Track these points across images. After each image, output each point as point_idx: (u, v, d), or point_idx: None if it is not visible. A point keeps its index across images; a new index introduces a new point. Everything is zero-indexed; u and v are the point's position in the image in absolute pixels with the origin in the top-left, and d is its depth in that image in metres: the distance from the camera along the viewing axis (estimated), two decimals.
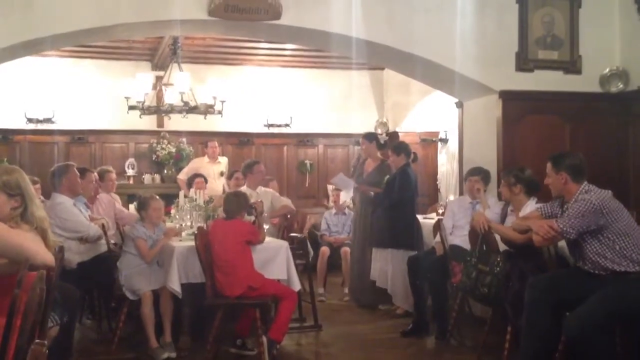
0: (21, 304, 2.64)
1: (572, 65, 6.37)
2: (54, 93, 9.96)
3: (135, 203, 5.65)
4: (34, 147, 9.79)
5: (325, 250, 7.49)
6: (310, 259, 6.50)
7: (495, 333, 4.78)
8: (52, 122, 9.97)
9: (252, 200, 5.71)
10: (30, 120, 9.89)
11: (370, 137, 6.99)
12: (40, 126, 9.94)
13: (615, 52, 6.47)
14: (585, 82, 6.36)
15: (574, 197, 4.08)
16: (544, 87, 6.27)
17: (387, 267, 6.32)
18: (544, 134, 6.22)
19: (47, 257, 2.89)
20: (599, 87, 6.40)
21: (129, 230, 5.41)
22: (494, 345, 4.72)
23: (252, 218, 5.28)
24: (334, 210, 8.10)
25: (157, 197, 5.49)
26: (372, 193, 6.56)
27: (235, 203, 5.10)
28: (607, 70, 6.39)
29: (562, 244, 4.35)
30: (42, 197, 5.99)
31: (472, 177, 5.76)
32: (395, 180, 6.22)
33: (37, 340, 2.79)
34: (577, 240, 4.05)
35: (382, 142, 6.97)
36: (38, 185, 5.94)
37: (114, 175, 6.79)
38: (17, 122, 9.80)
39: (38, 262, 2.79)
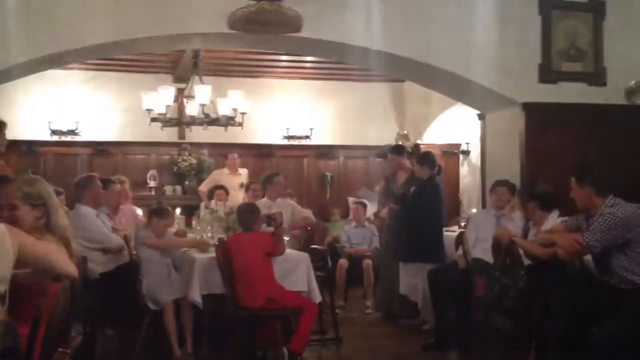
0: (45, 314, 2.66)
1: (596, 77, 6.28)
2: (77, 105, 10.08)
3: (152, 208, 5.65)
4: (58, 159, 9.91)
5: (343, 262, 7.43)
6: (328, 271, 6.47)
7: (518, 347, 4.71)
8: (76, 134, 10.09)
9: (272, 212, 5.72)
10: (54, 132, 10.02)
11: (399, 150, 6.93)
12: (64, 138, 10.06)
13: None
14: (610, 94, 6.27)
15: (600, 211, 4.03)
16: (567, 99, 6.17)
17: (417, 280, 6.22)
18: (568, 147, 6.12)
19: (70, 268, 2.90)
20: (624, 99, 6.31)
21: (137, 238, 5.43)
22: None
23: (271, 229, 5.27)
24: (354, 223, 8.06)
25: (176, 213, 5.50)
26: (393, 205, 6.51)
27: (248, 213, 5.11)
28: (633, 82, 6.30)
29: (587, 257, 4.29)
30: (66, 208, 6.04)
31: (500, 189, 5.71)
32: (422, 192, 6.15)
33: (60, 350, 2.82)
34: (602, 254, 3.99)
35: (409, 151, 6.92)
36: (62, 197, 5.99)
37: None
38: (41, 134, 9.93)
39: (62, 272, 2.81)
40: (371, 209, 7.31)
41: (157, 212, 5.40)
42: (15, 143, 9.52)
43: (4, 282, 2.50)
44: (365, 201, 7.66)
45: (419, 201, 6.15)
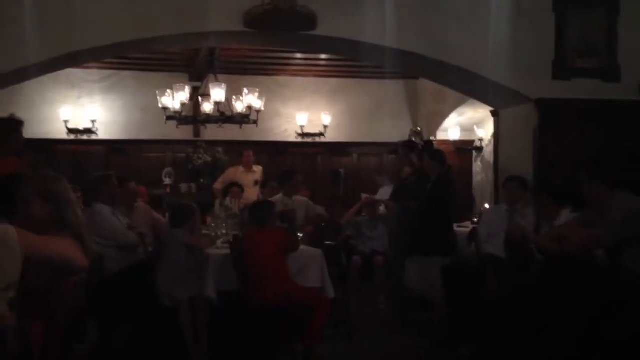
0: (60, 311, 2.70)
1: (610, 73, 6.26)
2: (94, 104, 10.18)
3: (171, 211, 5.70)
4: (75, 157, 10.02)
5: (357, 259, 7.45)
6: (343, 267, 6.50)
7: (531, 343, 4.71)
8: (92, 133, 10.19)
9: (287, 208, 5.75)
10: (71, 131, 10.13)
11: (410, 146, 7.03)
12: (80, 137, 10.17)
13: None
14: (624, 90, 6.25)
15: (612, 206, 4.04)
16: (581, 95, 6.18)
17: (433, 275, 6.22)
18: (582, 143, 6.12)
19: (82, 261, 2.95)
20: (638, 95, 6.29)
21: (168, 237, 5.45)
22: (530, 356, 4.65)
23: (285, 226, 5.30)
24: (366, 218, 8.06)
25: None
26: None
27: (261, 211, 5.13)
28: None
29: (600, 253, 4.28)
30: (82, 206, 6.10)
31: (512, 184, 5.73)
32: (437, 188, 6.17)
33: (76, 346, 2.85)
34: (615, 250, 4.00)
35: (420, 148, 7.00)
36: (79, 194, 6.06)
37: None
38: (58, 133, 10.05)
39: (75, 268, 2.85)
40: (386, 190, 7.36)
41: (187, 213, 5.43)
42: (32, 142, 9.67)
43: (13, 288, 2.50)
44: (378, 196, 7.66)
45: (435, 196, 6.17)
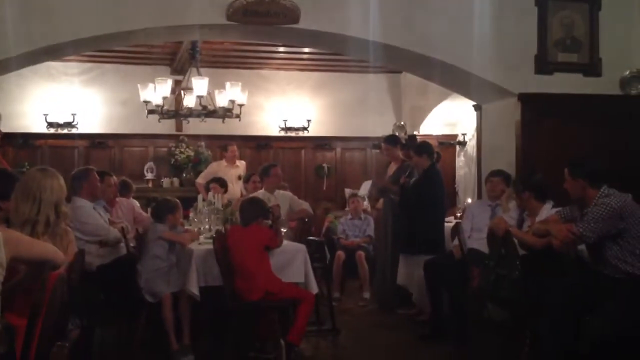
0: (42, 307, 2.67)
1: (592, 68, 6.32)
2: (74, 97, 10.07)
3: (154, 205, 5.66)
4: (55, 152, 9.92)
5: (340, 254, 7.46)
6: (327, 262, 6.50)
7: (514, 338, 4.73)
8: (73, 127, 10.08)
9: (270, 204, 5.72)
10: (50, 125, 10.02)
11: (393, 140, 7.05)
12: (60, 130, 10.06)
13: (635, 54, 6.41)
14: (605, 85, 6.31)
15: (594, 201, 4.05)
16: (563, 90, 6.21)
17: (412, 270, 6.23)
18: (564, 137, 6.16)
19: (64, 260, 2.92)
20: (619, 89, 6.34)
21: (150, 232, 5.42)
22: (513, 350, 4.67)
23: (269, 222, 5.28)
24: (349, 215, 8.08)
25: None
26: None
27: (251, 210, 5.10)
28: (628, 72, 6.33)
29: (582, 247, 4.31)
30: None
31: (494, 178, 5.74)
32: (425, 181, 6.17)
33: (58, 343, 2.83)
34: (596, 244, 4.02)
35: (403, 142, 7.01)
36: None
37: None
38: (38, 127, 9.93)
39: (57, 266, 2.83)
40: (363, 189, 7.42)
41: (169, 208, 5.40)
42: (12, 136, 9.56)
43: None
44: (361, 192, 7.70)
45: (422, 190, 6.17)
